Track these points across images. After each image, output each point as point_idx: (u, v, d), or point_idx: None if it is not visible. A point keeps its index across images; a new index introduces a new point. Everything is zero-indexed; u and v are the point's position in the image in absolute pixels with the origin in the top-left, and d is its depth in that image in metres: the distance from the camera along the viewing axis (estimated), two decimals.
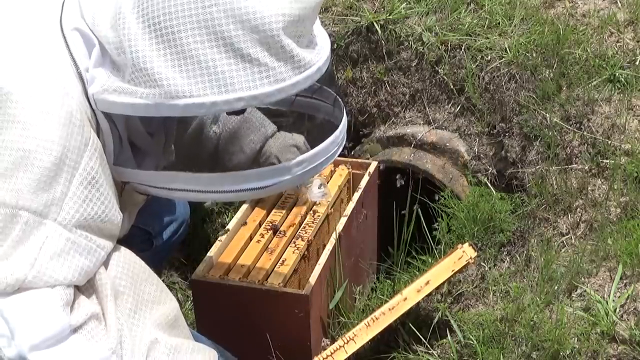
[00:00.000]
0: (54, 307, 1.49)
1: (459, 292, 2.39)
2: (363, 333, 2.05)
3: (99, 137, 1.59)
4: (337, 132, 1.71)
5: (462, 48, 2.87)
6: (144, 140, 1.75)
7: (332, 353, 2.01)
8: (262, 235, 2.30)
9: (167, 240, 2.32)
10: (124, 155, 1.68)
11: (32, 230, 1.48)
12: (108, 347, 1.53)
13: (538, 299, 2.09)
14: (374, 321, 2.07)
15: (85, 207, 1.54)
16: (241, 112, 2.09)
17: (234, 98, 1.47)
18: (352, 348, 2.03)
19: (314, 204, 2.45)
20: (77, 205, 1.53)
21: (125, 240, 1.80)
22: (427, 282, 2.16)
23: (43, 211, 1.49)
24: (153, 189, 1.70)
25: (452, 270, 2.19)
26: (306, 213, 2.41)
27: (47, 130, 1.48)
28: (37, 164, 1.47)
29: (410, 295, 2.14)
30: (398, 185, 2.87)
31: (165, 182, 1.67)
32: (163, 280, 2.82)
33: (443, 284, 2.24)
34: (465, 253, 2.18)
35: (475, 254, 2.19)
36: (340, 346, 2.02)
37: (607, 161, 2.41)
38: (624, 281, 2.06)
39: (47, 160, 1.48)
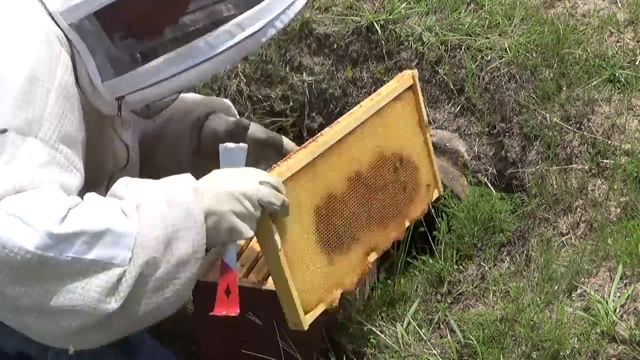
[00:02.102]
0: (55, 193, 1.53)
1: (459, 292, 2.39)
2: (303, 154, 1.93)
3: (75, 59, 1.64)
4: None
5: (462, 48, 2.87)
6: (122, 44, 1.74)
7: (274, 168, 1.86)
8: None
9: None
10: (108, 66, 1.69)
11: (19, 148, 1.52)
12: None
13: (538, 299, 2.09)
14: (315, 143, 1.97)
15: (63, 123, 1.59)
16: None
17: None
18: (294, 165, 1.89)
19: None
20: (57, 120, 1.57)
21: None
22: (372, 99, 2.14)
23: (25, 128, 1.53)
24: (147, 91, 1.71)
25: (395, 90, 2.18)
26: None
27: (12, 51, 1.55)
28: (10, 86, 1.52)
29: (356, 113, 2.09)
30: None
31: (154, 73, 1.69)
32: None
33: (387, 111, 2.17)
34: (408, 76, 2.22)
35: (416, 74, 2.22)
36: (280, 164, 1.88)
37: (607, 161, 2.41)
38: (624, 281, 2.06)
39: (19, 79, 1.53)
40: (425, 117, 2.32)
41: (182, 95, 2.13)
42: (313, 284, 1.91)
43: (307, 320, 1.87)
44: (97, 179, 1.90)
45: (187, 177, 1.66)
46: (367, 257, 2.08)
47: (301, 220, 1.88)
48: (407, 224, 2.27)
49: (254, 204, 1.67)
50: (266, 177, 1.71)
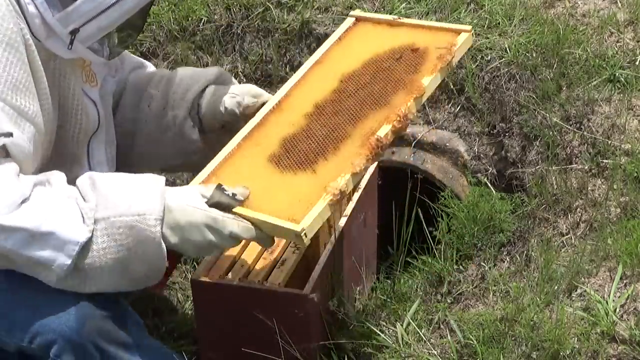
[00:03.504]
0: (11, 179, 1.56)
1: (459, 292, 2.39)
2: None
3: (22, 3, 1.64)
4: None
5: None
6: None
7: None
8: None
9: None
10: (56, 1, 1.68)
11: None
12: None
13: (538, 299, 2.09)
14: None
15: (9, 71, 1.59)
16: None
17: None
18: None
19: None
20: (0, 70, 1.57)
21: None
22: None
23: None
24: (100, 19, 1.69)
25: (339, 35, 2.16)
26: None
27: None
28: None
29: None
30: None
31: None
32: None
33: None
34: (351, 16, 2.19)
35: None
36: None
37: (607, 161, 2.41)
38: (624, 281, 2.06)
39: None
40: (390, 17, 2.22)
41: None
42: (294, 199, 1.76)
43: (302, 223, 1.68)
44: (75, 146, 1.89)
45: (155, 202, 1.62)
46: (370, 137, 1.84)
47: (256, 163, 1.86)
48: (423, 78, 1.95)
49: (224, 238, 1.69)
50: (236, 231, 1.69)
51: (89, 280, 1.63)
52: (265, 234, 1.71)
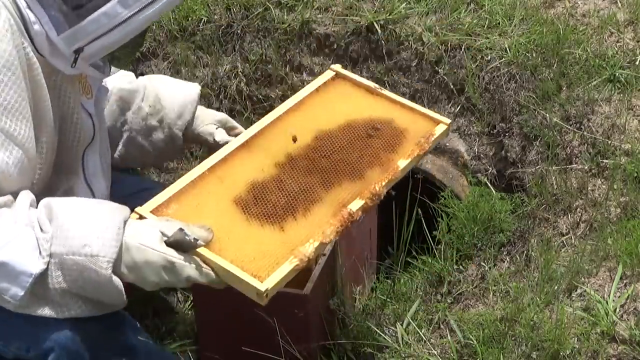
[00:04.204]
0: None
1: (459, 292, 2.39)
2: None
3: (26, 19, 1.65)
4: None
5: (462, 48, 2.87)
6: None
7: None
8: None
9: None
10: (61, 19, 1.69)
11: None
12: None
13: (538, 299, 2.09)
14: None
15: (0, 94, 1.59)
16: None
17: None
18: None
19: None
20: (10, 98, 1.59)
21: None
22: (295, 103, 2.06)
23: None
24: (105, 39, 1.71)
25: (317, 86, 2.11)
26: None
27: None
28: None
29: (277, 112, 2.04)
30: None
31: (108, 18, 1.69)
32: None
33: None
34: (331, 70, 2.16)
35: (341, 70, 2.16)
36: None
37: (607, 161, 2.41)
38: (624, 281, 2.06)
39: None
40: (371, 84, 2.19)
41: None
42: (258, 253, 1.70)
43: (265, 282, 1.63)
44: (71, 157, 1.91)
45: (110, 243, 1.58)
46: (342, 208, 1.82)
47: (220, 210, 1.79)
48: (399, 160, 1.98)
49: (180, 281, 1.65)
50: (194, 276, 1.65)
51: (54, 307, 1.61)
52: (221, 281, 1.65)
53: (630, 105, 2.52)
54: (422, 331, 2.18)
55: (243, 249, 1.68)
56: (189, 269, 1.62)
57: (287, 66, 3.19)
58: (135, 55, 2.02)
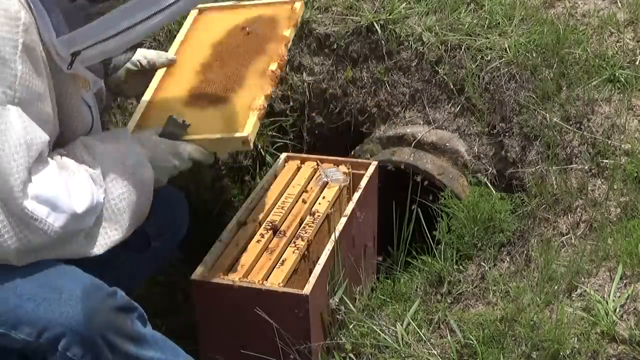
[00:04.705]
0: (56, 171, 1.74)
1: (459, 292, 2.39)
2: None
3: (36, 17, 1.69)
4: None
5: (462, 48, 2.87)
6: (78, 3, 1.78)
7: None
8: (262, 235, 2.30)
9: (166, 241, 2.32)
10: (63, 22, 1.73)
11: (8, 117, 1.64)
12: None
13: (538, 299, 2.09)
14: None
15: (34, 82, 1.68)
16: None
17: None
18: None
19: (314, 204, 2.45)
20: (27, 82, 1.66)
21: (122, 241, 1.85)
22: None
23: (1, 99, 1.63)
24: (103, 45, 1.76)
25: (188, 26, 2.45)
26: (306, 213, 2.41)
27: None
28: None
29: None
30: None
31: (109, 27, 1.73)
32: (163, 280, 2.84)
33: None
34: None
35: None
36: None
37: (607, 161, 2.41)
38: (624, 281, 2.06)
39: None
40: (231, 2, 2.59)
41: None
42: (226, 121, 2.10)
43: (245, 130, 2.03)
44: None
45: (140, 152, 1.92)
46: (266, 70, 2.21)
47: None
48: (284, 31, 2.39)
49: (185, 161, 2.00)
50: (193, 154, 2.01)
51: (110, 225, 1.84)
52: (211, 155, 2.05)
53: (630, 105, 2.52)
54: (422, 331, 2.18)
55: (215, 124, 2.08)
56: (189, 147, 1.99)
57: (287, 66, 3.19)
58: (131, 57, 2.09)
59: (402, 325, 2.21)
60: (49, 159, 1.75)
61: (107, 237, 1.82)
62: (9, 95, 1.64)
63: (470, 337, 2.08)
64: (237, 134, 2.02)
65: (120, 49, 1.81)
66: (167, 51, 2.38)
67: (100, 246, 1.81)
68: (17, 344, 1.71)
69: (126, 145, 1.92)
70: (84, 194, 1.76)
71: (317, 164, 2.64)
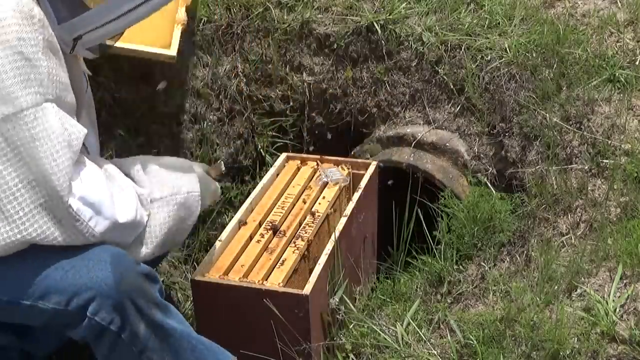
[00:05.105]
0: (103, 178, 1.78)
1: (459, 292, 2.39)
2: None
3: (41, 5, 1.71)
4: None
5: (462, 48, 2.87)
6: None
7: None
8: (262, 235, 2.30)
9: None
10: (63, 9, 1.76)
11: (46, 117, 1.66)
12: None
13: (538, 299, 2.09)
14: None
15: (59, 74, 1.71)
16: None
17: None
18: None
19: (314, 204, 2.45)
20: (55, 76, 1.69)
21: None
22: None
23: (38, 100, 1.65)
24: (104, 29, 1.79)
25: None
26: (306, 213, 2.41)
27: None
28: (7, 67, 1.62)
29: None
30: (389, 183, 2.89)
31: (110, 11, 1.76)
32: (163, 281, 2.83)
33: None
34: None
35: None
36: None
37: (607, 161, 2.41)
38: (624, 281, 2.06)
39: (8, 60, 1.62)
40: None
41: None
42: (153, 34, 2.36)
43: (172, 48, 2.42)
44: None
45: (196, 182, 2.00)
46: None
47: None
48: None
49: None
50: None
51: (138, 249, 1.86)
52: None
53: (630, 105, 2.52)
54: (422, 331, 2.18)
55: (142, 34, 2.26)
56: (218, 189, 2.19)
57: (287, 66, 3.19)
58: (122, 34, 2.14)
59: (402, 325, 2.21)
60: (96, 166, 1.80)
61: (136, 253, 1.85)
62: (42, 93, 1.65)
63: (470, 337, 2.08)
64: (166, 52, 2.38)
65: (121, 29, 1.83)
66: None
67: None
68: (43, 315, 1.71)
69: (186, 179, 1.99)
70: (128, 208, 1.79)
71: (317, 164, 2.64)
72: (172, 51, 2.48)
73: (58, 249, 1.70)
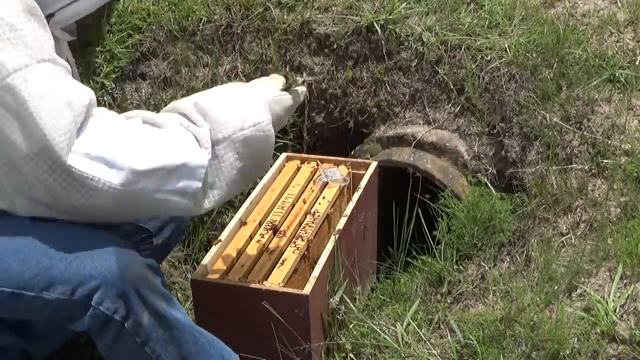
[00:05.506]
0: (123, 124, 1.68)
1: (459, 292, 2.39)
2: None
3: None
4: None
5: (462, 48, 2.87)
6: None
7: None
8: (262, 235, 2.30)
9: (167, 240, 2.32)
10: None
11: (38, 77, 1.58)
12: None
13: (538, 299, 2.09)
14: None
15: (43, 37, 1.63)
16: None
17: None
18: None
19: (314, 204, 2.45)
20: (42, 37, 1.62)
21: (126, 238, 1.83)
22: None
23: (27, 61, 1.58)
24: (75, 6, 1.80)
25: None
26: (306, 213, 2.41)
27: None
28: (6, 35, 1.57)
29: None
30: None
31: None
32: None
33: None
34: None
35: None
36: None
37: (607, 161, 2.41)
38: (624, 281, 2.06)
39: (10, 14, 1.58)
40: None
41: None
42: None
43: None
44: None
45: (264, 110, 1.85)
46: None
47: None
48: None
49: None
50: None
51: (213, 191, 1.78)
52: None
53: (630, 105, 2.52)
54: (422, 331, 2.18)
55: None
56: (300, 94, 2.08)
57: (287, 66, 3.19)
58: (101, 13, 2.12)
59: (402, 325, 2.21)
60: (112, 113, 1.71)
61: (213, 197, 1.76)
62: (31, 55, 1.59)
63: (470, 337, 2.08)
64: None
65: (92, 8, 1.82)
66: None
67: (205, 203, 1.77)
68: (47, 307, 1.70)
69: (250, 107, 1.83)
70: (163, 151, 1.67)
71: (317, 164, 2.64)
72: None
73: (61, 240, 1.68)
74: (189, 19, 3.11)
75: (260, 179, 2.56)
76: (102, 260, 1.67)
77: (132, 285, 1.69)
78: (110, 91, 2.89)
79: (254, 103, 1.84)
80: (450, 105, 2.93)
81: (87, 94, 1.64)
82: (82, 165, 1.59)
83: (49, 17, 1.74)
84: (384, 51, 3.02)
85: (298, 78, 2.07)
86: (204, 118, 1.76)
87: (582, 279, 2.11)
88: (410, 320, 2.22)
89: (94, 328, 1.71)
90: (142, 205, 1.70)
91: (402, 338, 2.17)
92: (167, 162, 1.67)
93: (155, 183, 1.66)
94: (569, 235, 2.32)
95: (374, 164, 2.65)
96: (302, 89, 2.07)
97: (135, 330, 1.72)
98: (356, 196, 2.49)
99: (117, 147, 1.63)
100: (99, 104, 2.77)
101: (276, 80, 2.03)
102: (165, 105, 2.90)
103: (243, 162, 1.79)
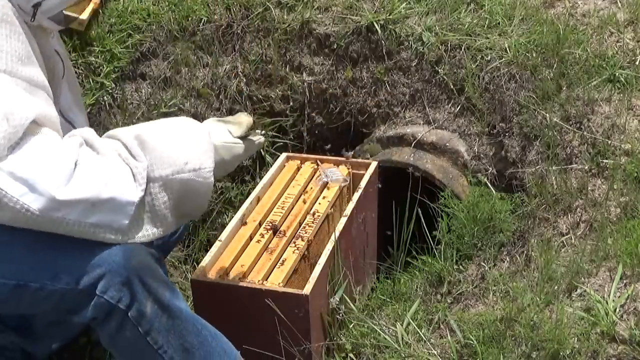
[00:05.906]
0: (57, 147, 1.62)
1: (459, 292, 2.39)
2: None
3: None
4: None
5: (462, 48, 2.87)
6: None
7: None
8: (262, 235, 2.30)
9: (167, 239, 2.32)
10: None
11: None
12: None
13: (538, 299, 2.09)
14: None
15: (12, 44, 1.63)
16: None
17: None
18: None
19: (314, 204, 2.45)
20: (5, 46, 1.61)
21: None
22: None
23: None
24: None
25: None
26: (306, 213, 2.41)
27: None
28: None
29: None
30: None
31: None
32: None
33: None
34: None
35: None
36: None
37: (607, 161, 2.41)
38: (624, 281, 2.06)
39: None
40: None
41: None
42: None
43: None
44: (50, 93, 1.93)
45: (208, 156, 1.77)
46: None
47: None
48: None
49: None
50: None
51: (153, 224, 1.74)
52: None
53: (630, 105, 2.52)
54: (422, 331, 2.18)
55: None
56: (255, 145, 1.93)
57: (287, 66, 3.19)
58: (87, 7, 2.13)
59: (402, 325, 2.21)
60: (53, 135, 1.66)
61: (145, 231, 1.73)
62: None
63: (470, 337, 2.07)
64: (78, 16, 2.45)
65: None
66: None
67: (136, 238, 1.72)
68: (51, 298, 1.70)
69: (195, 150, 1.77)
70: (90, 183, 1.62)
71: (317, 164, 2.64)
72: (83, 15, 2.73)
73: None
74: (189, 19, 3.11)
75: (260, 178, 2.56)
76: (107, 249, 1.67)
77: (136, 273, 1.69)
78: (110, 91, 2.89)
79: (199, 146, 1.77)
80: (450, 105, 2.93)
81: (32, 110, 1.61)
82: (3, 182, 1.56)
83: (36, 6, 1.74)
84: (384, 51, 3.02)
85: (258, 130, 1.93)
86: (144, 152, 1.72)
87: (582, 279, 2.11)
88: (410, 320, 2.22)
89: (98, 317, 1.70)
90: (64, 232, 1.65)
91: (402, 338, 2.17)
92: (93, 194, 1.62)
93: (77, 214, 1.62)
94: (569, 235, 2.32)
95: (374, 164, 2.65)
96: (259, 140, 1.93)
97: (138, 320, 1.71)
98: (356, 196, 2.49)
99: (43, 171, 1.59)
100: (99, 103, 2.77)
101: (236, 124, 1.90)
102: (165, 106, 2.94)
103: (176, 203, 1.74)
